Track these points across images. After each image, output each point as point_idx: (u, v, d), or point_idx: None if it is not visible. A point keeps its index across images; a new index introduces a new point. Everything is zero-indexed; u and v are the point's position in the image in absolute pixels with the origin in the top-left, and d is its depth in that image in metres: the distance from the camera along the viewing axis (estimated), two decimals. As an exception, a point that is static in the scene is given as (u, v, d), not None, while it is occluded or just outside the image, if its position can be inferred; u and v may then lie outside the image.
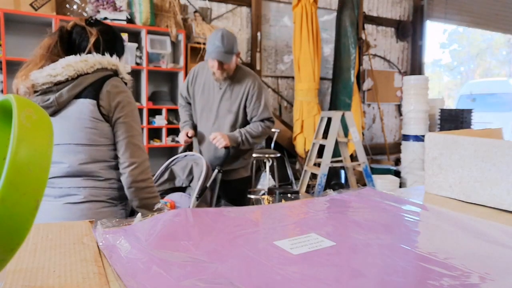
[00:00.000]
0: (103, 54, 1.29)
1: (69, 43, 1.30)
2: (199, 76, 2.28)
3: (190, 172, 2.12)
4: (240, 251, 0.56)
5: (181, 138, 2.27)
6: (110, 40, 1.36)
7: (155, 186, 1.30)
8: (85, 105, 1.22)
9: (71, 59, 1.21)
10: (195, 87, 2.28)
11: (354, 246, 0.60)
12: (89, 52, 1.28)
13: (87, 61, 1.23)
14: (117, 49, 1.39)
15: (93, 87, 1.23)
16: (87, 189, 1.20)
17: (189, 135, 2.26)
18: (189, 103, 2.37)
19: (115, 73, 1.32)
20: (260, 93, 2.19)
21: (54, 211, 1.18)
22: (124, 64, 1.37)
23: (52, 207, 1.19)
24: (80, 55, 1.24)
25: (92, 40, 1.29)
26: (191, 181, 2.14)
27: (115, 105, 1.24)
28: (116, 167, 1.27)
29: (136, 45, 3.65)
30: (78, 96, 1.23)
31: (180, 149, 2.39)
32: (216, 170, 2.16)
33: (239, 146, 2.20)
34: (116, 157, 1.27)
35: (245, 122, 2.25)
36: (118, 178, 1.28)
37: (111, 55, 1.31)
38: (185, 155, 2.14)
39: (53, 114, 1.22)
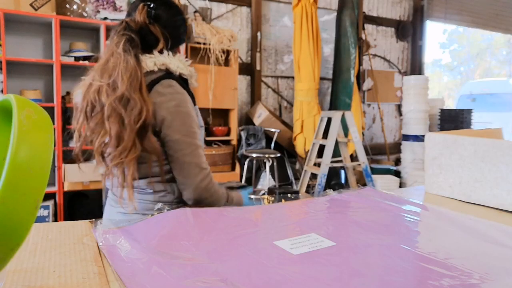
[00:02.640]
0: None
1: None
2: None
3: None
4: (240, 251, 0.56)
5: None
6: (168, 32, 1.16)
7: (219, 191, 1.14)
8: None
9: None
10: None
11: (354, 246, 0.60)
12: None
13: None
14: (176, 39, 1.21)
15: None
16: (135, 202, 1.11)
17: None
18: None
19: (167, 73, 1.11)
20: None
21: (111, 215, 1.18)
22: (179, 57, 1.17)
23: (110, 211, 1.18)
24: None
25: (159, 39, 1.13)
26: None
27: (161, 120, 1.04)
28: (170, 180, 1.11)
29: (136, 45, 3.64)
30: None
31: None
32: None
33: None
34: (169, 171, 1.10)
35: None
36: (170, 191, 1.12)
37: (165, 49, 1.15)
38: None
39: None
